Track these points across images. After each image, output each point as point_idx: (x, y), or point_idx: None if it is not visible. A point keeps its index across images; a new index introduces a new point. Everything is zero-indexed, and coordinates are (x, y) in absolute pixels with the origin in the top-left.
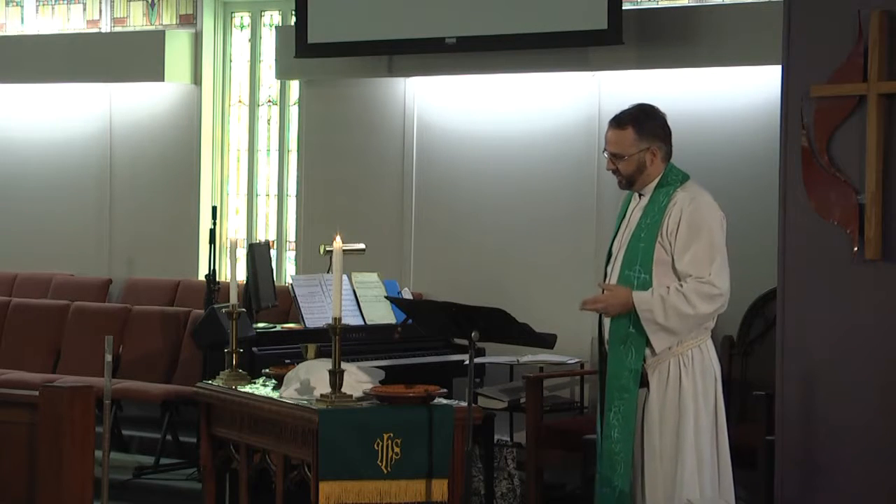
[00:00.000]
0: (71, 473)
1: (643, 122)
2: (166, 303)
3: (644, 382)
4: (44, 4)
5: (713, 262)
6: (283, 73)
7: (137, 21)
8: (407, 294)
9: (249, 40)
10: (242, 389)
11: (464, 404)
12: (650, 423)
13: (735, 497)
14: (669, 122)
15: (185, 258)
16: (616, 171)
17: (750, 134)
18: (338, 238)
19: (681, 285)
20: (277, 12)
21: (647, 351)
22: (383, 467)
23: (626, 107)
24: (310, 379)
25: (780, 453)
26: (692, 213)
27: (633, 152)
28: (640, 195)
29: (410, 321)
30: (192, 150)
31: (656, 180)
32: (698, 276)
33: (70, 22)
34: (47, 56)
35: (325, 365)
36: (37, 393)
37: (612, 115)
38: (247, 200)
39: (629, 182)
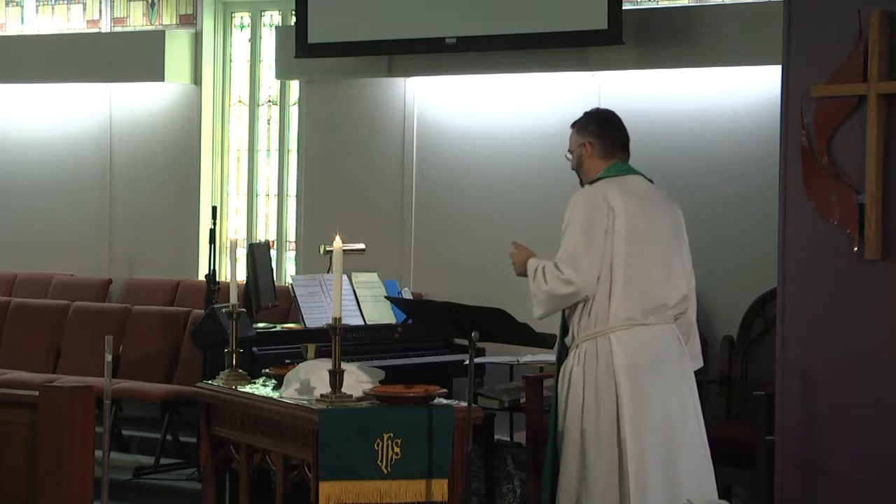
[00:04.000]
0: (71, 473)
1: (582, 120)
2: (166, 303)
3: None
4: (44, 4)
5: (563, 249)
6: (283, 73)
7: (137, 21)
8: (407, 294)
9: (249, 40)
10: (242, 389)
11: (464, 404)
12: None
13: (732, 496)
14: (669, 122)
15: (185, 258)
16: (574, 170)
17: (750, 134)
18: (338, 238)
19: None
20: (277, 12)
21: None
22: (383, 467)
23: (626, 106)
24: (310, 379)
25: (780, 453)
26: (566, 209)
27: (573, 148)
28: None
29: (410, 321)
30: (192, 150)
31: (593, 178)
32: (555, 260)
33: (70, 22)
34: (47, 56)
35: (325, 365)
36: (37, 393)
37: None
38: (247, 200)
39: (579, 178)
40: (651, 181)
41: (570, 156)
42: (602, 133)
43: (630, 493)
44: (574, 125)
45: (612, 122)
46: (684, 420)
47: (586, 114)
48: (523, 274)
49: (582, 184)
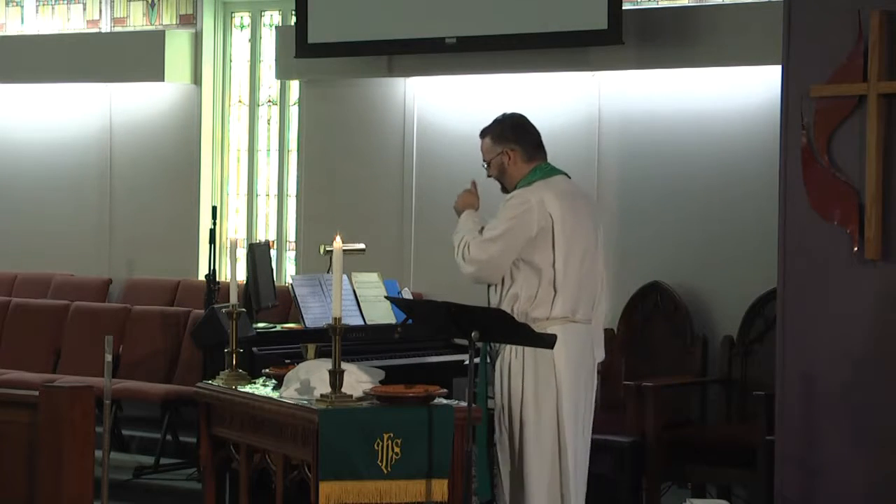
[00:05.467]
0: (71, 473)
1: (494, 128)
2: (166, 303)
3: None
4: (44, 4)
5: (486, 232)
6: (283, 73)
7: (137, 21)
8: (407, 294)
9: (249, 40)
10: (242, 389)
11: (464, 404)
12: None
13: (732, 496)
14: (669, 122)
15: (185, 258)
16: (493, 178)
17: (750, 134)
18: (338, 238)
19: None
20: (277, 12)
21: None
22: (383, 467)
23: (625, 106)
24: (310, 379)
25: (780, 453)
26: (503, 203)
27: (492, 157)
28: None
29: (410, 321)
30: (192, 150)
31: (520, 182)
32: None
33: (70, 22)
34: (47, 56)
35: (325, 365)
36: (37, 393)
37: (612, 115)
38: (247, 200)
39: (501, 186)
40: (569, 177)
41: (486, 165)
42: (521, 138)
43: (570, 484)
44: (486, 134)
45: (527, 126)
46: (589, 417)
47: (497, 121)
48: (457, 214)
49: (504, 190)
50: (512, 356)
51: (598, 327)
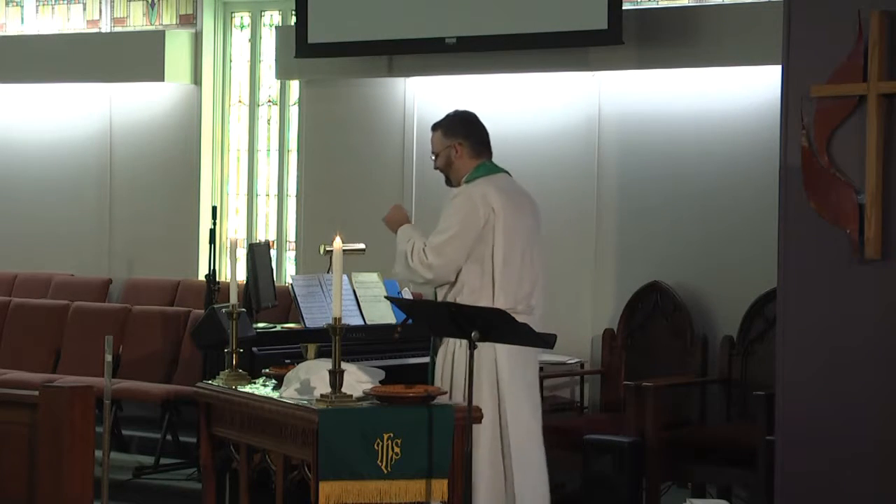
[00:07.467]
0: (71, 473)
1: (446, 122)
2: (166, 303)
3: None
4: (44, 4)
5: (436, 235)
6: (283, 73)
7: (137, 21)
8: (407, 294)
9: (249, 40)
10: (242, 389)
11: (464, 404)
12: None
13: (732, 496)
14: (669, 122)
15: (185, 258)
16: (439, 170)
17: (750, 134)
18: (338, 238)
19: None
20: (277, 12)
21: None
22: (383, 467)
23: (625, 107)
24: (310, 379)
25: (780, 453)
26: (448, 202)
27: (440, 150)
28: None
29: (410, 321)
30: (192, 150)
31: (465, 177)
32: (426, 242)
33: (70, 22)
34: (47, 56)
35: (325, 365)
36: (37, 393)
37: (612, 115)
38: (247, 200)
39: (446, 178)
40: (511, 176)
41: (434, 158)
42: (470, 134)
43: (514, 476)
44: (438, 127)
45: (477, 123)
46: (538, 405)
47: (449, 116)
48: (392, 229)
49: (448, 183)
50: (456, 346)
51: (539, 323)
